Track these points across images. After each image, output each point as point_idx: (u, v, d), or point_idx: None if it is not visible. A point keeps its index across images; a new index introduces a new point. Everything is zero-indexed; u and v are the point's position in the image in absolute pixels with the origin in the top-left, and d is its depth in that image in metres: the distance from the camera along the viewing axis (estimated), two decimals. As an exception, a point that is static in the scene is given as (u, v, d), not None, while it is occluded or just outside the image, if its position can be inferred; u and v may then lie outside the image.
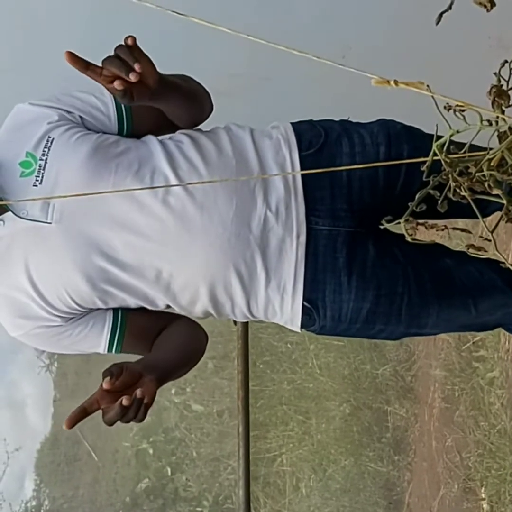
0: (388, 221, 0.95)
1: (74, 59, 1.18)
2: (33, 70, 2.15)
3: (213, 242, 1.40)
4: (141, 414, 1.21)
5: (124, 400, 1.17)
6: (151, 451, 5.12)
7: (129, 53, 1.19)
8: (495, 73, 0.99)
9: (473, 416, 3.26)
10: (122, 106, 1.46)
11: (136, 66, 1.18)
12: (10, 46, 2.15)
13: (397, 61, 2.00)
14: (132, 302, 1.47)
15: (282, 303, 1.46)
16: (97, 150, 1.40)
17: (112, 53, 1.20)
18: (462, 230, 1.00)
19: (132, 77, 1.18)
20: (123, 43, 1.20)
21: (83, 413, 1.18)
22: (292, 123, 1.54)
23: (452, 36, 1.72)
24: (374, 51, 2.19)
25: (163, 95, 1.34)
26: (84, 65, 1.19)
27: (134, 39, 1.19)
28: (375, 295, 1.45)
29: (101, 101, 1.47)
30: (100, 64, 1.20)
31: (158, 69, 1.27)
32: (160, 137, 1.49)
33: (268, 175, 1.44)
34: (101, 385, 1.20)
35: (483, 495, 3.18)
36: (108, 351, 1.50)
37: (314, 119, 1.57)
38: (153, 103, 1.35)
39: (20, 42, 2.14)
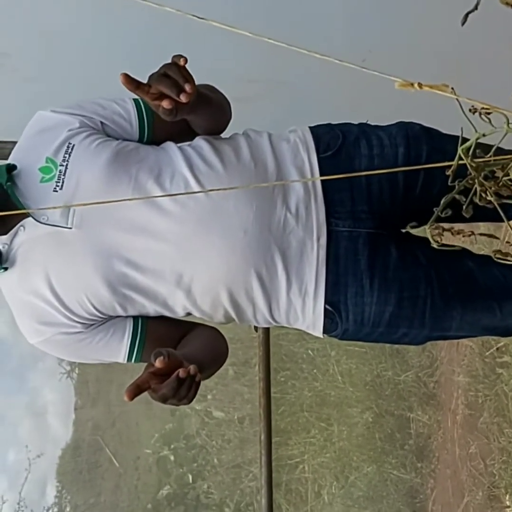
0: (413, 227, 0.93)
1: (128, 80, 1.20)
2: (57, 79, 2.16)
3: (234, 246, 1.39)
4: (192, 392, 1.23)
5: (181, 372, 1.19)
6: (172, 458, 5.10)
7: (180, 73, 1.21)
8: (520, 75, 0.98)
9: (497, 422, 3.23)
10: (144, 113, 1.47)
11: (187, 87, 1.20)
12: (35, 56, 2.17)
13: (416, 64, 1.98)
14: (152, 308, 1.46)
15: (304, 307, 1.45)
16: (117, 156, 1.41)
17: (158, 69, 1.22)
18: (489, 235, 0.98)
19: (184, 98, 1.20)
20: (172, 61, 1.21)
21: (137, 389, 1.19)
22: (310, 127, 1.54)
23: (473, 37, 1.70)
24: (394, 55, 2.17)
25: (198, 109, 1.35)
26: (136, 85, 1.21)
27: (186, 60, 1.20)
28: (397, 298, 1.44)
29: (123, 108, 1.48)
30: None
31: None
32: (179, 144, 1.49)
33: (288, 180, 1.43)
34: (148, 367, 1.22)
35: (508, 503, 3.14)
36: (128, 359, 1.49)
37: (333, 123, 1.56)
38: (187, 116, 1.35)
39: (45, 52, 2.16)
